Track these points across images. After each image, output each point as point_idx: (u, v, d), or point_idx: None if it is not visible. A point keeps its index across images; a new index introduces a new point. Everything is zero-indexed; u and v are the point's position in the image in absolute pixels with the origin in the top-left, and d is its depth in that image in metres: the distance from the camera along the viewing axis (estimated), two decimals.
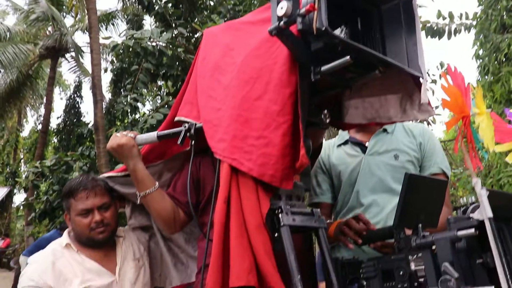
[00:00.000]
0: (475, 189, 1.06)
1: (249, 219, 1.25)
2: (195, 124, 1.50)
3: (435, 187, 1.40)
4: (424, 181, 1.37)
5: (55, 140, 15.13)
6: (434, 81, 5.78)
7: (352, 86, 1.39)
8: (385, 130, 1.97)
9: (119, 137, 1.67)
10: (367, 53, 1.20)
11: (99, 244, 1.93)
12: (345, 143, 2.02)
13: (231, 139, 1.33)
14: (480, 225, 1.04)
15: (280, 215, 1.26)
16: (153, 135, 1.64)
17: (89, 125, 8.65)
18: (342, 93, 1.57)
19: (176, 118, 1.61)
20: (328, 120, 1.40)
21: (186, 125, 1.51)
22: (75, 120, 13.15)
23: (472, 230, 1.04)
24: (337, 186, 2.00)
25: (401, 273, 1.26)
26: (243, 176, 1.30)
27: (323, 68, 1.23)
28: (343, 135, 2.04)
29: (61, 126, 13.40)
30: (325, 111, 1.40)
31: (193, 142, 1.51)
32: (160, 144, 1.75)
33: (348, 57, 1.16)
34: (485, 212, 1.02)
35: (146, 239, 2.13)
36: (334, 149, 2.03)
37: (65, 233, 1.98)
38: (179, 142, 1.49)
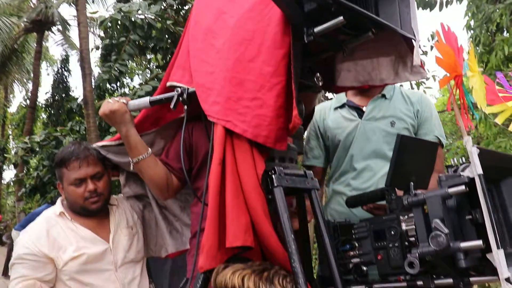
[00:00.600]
0: (466, 147, 1.07)
1: (245, 180, 1.26)
2: (188, 89, 1.50)
3: (426, 149, 1.42)
4: (416, 142, 1.39)
5: (44, 116, 14.97)
6: (425, 53, 5.77)
7: (345, 49, 1.39)
8: (383, 96, 1.97)
9: (111, 103, 1.66)
10: (360, 13, 1.19)
11: (93, 213, 1.93)
12: (342, 106, 2.02)
13: (225, 101, 1.33)
14: (470, 182, 1.06)
15: (273, 176, 1.27)
16: (145, 100, 1.63)
17: (78, 100, 8.56)
18: (335, 55, 1.56)
19: (168, 83, 1.60)
20: (320, 83, 1.40)
21: (179, 89, 1.50)
22: (63, 95, 12.98)
23: (463, 187, 1.05)
24: (332, 149, 2.01)
25: (392, 232, 1.29)
26: (237, 138, 1.31)
27: (316, 29, 1.23)
28: (340, 98, 2.04)
29: (49, 101, 13.24)
30: (318, 74, 1.40)
31: (185, 106, 1.50)
32: (153, 112, 1.74)
33: (341, 17, 1.16)
34: (475, 169, 1.04)
35: (140, 208, 2.14)
36: (331, 112, 2.03)
37: (58, 201, 1.99)
38: (171, 106, 1.48)
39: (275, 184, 1.27)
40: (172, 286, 6.96)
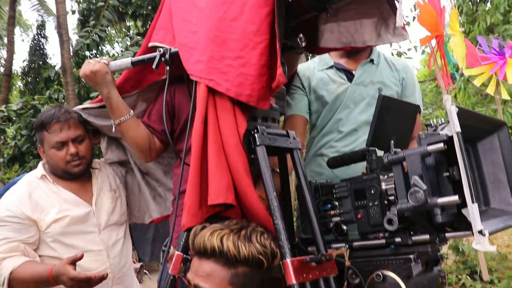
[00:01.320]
0: (445, 105, 1.10)
1: (227, 139, 1.26)
2: (170, 49, 1.48)
3: (406, 111, 1.44)
4: (397, 103, 1.41)
5: (20, 84, 14.58)
6: (407, 24, 5.78)
7: (328, 9, 1.38)
8: (371, 61, 1.97)
9: (92, 64, 1.64)
10: None
11: (75, 177, 1.93)
12: (329, 68, 2.00)
13: (208, 60, 1.32)
14: (448, 140, 1.08)
15: (256, 135, 1.28)
16: (127, 61, 1.61)
17: (56, 68, 8.36)
18: (318, 16, 1.56)
19: (150, 44, 1.58)
20: (303, 44, 1.40)
21: (161, 50, 1.48)
22: (40, 62, 12.64)
23: (441, 145, 1.08)
24: (316, 109, 2.01)
25: (372, 192, 1.32)
26: (220, 97, 1.31)
27: None
28: (326, 60, 2.02)
29: (26, 69, 12.89)
30: (301, 35, 1.40)
31: (168, 67, 1.49)
32: (135, 73, 1.72)
33: None
34: (453, 127, 1.06)
35: (123, 174, 2.14)
36: (315, 72, 2.01)
37: (40, 165, 1.98)
38: (154, 66, 1.47)
39: (258, 143, 1.28)
40: (154, 253, 7.05)
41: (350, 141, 1.90)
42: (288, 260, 1.16)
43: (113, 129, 1.71)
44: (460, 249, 5.21)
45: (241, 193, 1.26)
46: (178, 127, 1.71)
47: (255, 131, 1.29)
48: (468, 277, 5.30)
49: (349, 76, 1.97)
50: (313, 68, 2.03)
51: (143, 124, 1.75)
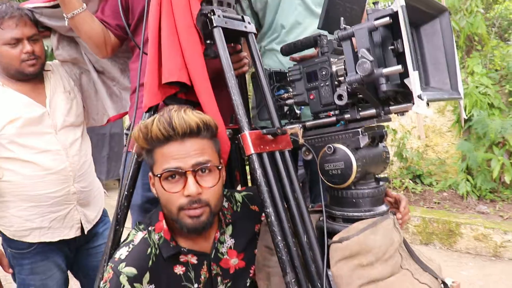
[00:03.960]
0: None
1: (179, 20, 1.28)
2: None
3: None
4: None
5: None
6: None
7: None
8: None
9: None
10: None
11: (29, 77, 1.90)
12: None
13: None
14: (394, 14, 1.15)
15: (212, 18, 1.31)
16: None
17: None
18: None
19: None
20: None
21: None
22: None
23: (387, 19, 1.14)
24: (260, 8, 2.01)
25: (323, 73, 1.40)
26: None
27: None
28: None
29: None
30: None
31: None
32: None
33: None
34: (399, 1, 1.13)
35: (77, 76, 2.11)
36: None
37: None
38: None
39: (215, 25, 1.30)
40: (110, 171, 7.06)
41: (297, 34, 1.94)
42: (247, 132, 1.24)
43: (66, 23, 1.68)
44: (404, 155, 5.56)
45: (193, 73, 1.30)
46: (133, 22, 1.70)
47: (212, 13, 1.31)
48: (410, 181, 5.71)
49: None
50: None
51: (97, 19, 1.73)
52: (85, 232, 2.06)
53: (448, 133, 5.68)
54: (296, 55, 1.63)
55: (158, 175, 1.19)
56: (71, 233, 2.00)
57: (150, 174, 1.27)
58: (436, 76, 1.43)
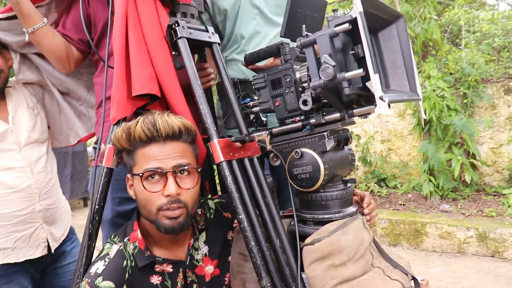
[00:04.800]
0: None
1: (149, 31, 1.29)
2: None
3: (316, 5, 1.53)
4: None
5: None
6: None
7: None
8: None
9: None
10: None
11: None
12: None
13: None
14: (353, 21, 1.19)
15: (177, 29, 1.32)
16: None
17: None
18: None
19: None
20: None
21: None
22: None
23: (347, 25, 1.19)
24: (220, 22, 2.04)
25: (287, 80, 1.43)
26: None
27: None
28: None
29: None
30: None
31: None
32: None
33: None
34: (357, 8, 1.17)
35: (40, 96, 2.07)
36: None
37: None
38: None
39: (179, 35, 1.32)
40: (74, 190, 6.90)
41: (256, 43, 1.97)
42: (215, 140, 1.25)
43: (27, 38, 1.65)
44: (368, 160, 5.68)
45: (165, 85, 1.31)
46: (95, 35, 1.69)
47: (176, 24, 1.32)
48: (375, 184, 5.84)
49: None
50: None
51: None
52: (52, 251, 2.00)
53: (409, 136, 5.85)
54: (260, 64, 1.67)
55: (139, 174, 1.21)
56: (37, 252, 1.94)
57: (129, 175, 1.29)
58: (395, 79, 1.48)
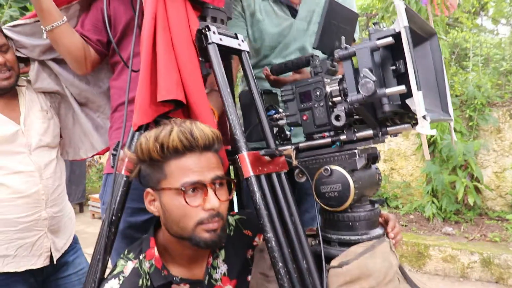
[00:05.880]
0: (394, 1, 1.15)
1: (177, 35, 1.23)
2: None
3: (349, 17, 1.48)
4: (342, 8, 1.44)
5: None
6: None
7: None
8: None
9: None
10: None
11: (1, 92, 1.78)
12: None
13: None
14: (396, 35, 1.14)
15: (208, 33, 1.26)
16: None
17: None
18: None
19: None
20: None
21: None
22: None
23: (390, 39, 1.13)
24: (255, 39, 1.96)
25: (317, 93, 1.37)
26: None
27: None
28: None
29: None
30: None
31: None
32: None
33: None
34: (401, 22, 1.12)
35: (56, 105, 1.99)
36: (258, 1, 1.92)
37: None
38: None
39: (210, 41, 1.26)
40: (71, 195, 6.82)
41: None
42: (245, 153, 1.19)
43: (44, 36, 1.59)
44: None
45: (191, 91, 1.24)
46: (115, 37, 1.63)
47: (207, 29, 1.27)
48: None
49: (293, 12, 1.92)
50: None
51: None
52: (54, 261, 1.92)
53: (412, 156, 5.81)
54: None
55: (182, 189, 1.11)
56: (39, 262, 1.86)
57: (150, 190, 1.19)
58: (428, 98, 1.43)
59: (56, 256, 1.92)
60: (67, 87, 1.90)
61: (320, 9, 1.94)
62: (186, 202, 1.11)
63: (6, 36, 1.74)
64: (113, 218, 1.23)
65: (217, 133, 1.19)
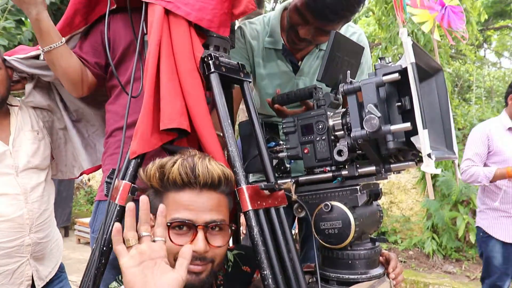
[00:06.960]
0: (401, 38, 1.13)
1: (181, 63, 1.21)
2: None
3: (354, 51, 1.47)
4: (347, 41, 1.42)
5: None
6: None
7: None
8: (320, 50, 1.87)
9: None
10: None
11: None
12: (278, 50, 1.86)
13: None
14: (402, 71, 1.12)
15: (210, 62, 1.24)
16: None
17: None
18: None
19: None
20: None
21: None
22: None
23: (396, 75, 1.11)
24: (255, 81, 1.94)
25: (320, 127, 1.34)
26: (175, 21, 1.24)
27: None
28: (276, 36, 1.85)
29: None
30: None
31: None
32: (83, 5, 1.58)
33: None
34: (408, 58, 1.09)
35: (49, 123, 1.96)
36: (262, 45, 1.88)
37: None
38: None
39: (212, 70, 1.23)
40: (56, 217, 6.71)
41: None
42: (244, 187, 1.15)
43: (41, 57, 1.56)
44: None
45: (196, 120, 1.21)
46: (114, 60, 1.60)
47: (209, 58, 1.25)
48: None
49: (295, 67, 1.90)
50: (262, 39, 1.88)
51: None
52: None
53: (412, 190, 5.75)
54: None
55: (168, 224, 1.06)
56: None
57: (152, 216, 1.14)
58: (432, 134, 1.40)
59: (39, 285, 1.85)
60: (67, 102, 1.87)
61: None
62: (170, 238, 1.06)
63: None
64: (104, 248, 1.18)
65: (227, 173, 1.13)
